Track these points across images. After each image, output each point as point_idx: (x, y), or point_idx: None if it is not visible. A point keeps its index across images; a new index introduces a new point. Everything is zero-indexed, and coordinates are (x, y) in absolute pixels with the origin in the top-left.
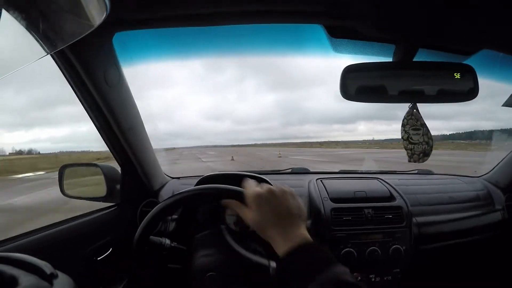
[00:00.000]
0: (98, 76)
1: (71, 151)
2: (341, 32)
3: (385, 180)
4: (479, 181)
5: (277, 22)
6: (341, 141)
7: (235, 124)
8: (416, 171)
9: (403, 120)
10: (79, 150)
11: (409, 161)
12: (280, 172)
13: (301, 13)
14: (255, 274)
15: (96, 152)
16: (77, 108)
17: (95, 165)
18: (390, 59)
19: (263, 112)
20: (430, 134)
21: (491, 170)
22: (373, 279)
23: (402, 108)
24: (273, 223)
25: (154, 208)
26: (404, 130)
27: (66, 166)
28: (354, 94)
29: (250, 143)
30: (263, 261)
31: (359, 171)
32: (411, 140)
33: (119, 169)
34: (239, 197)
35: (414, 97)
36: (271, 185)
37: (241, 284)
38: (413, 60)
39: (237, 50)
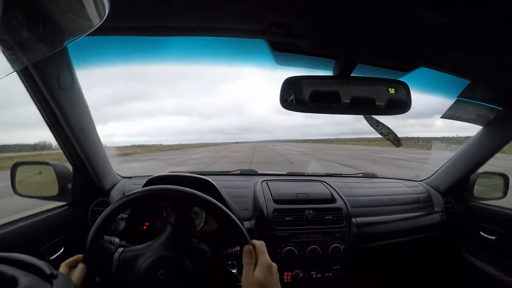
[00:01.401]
0: (51, 79)
1: (141, 145)
2: (283, 47)
3: (329, 183)
4: (421, 185)
5: (223, 36)
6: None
7: (306, 118)
8: (361, 174)
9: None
10: (151, 143)
11: (397, 146)
12: (229, 173)
13: (245, 30)
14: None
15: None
16: (147, 104)
17: (47, 163)
18: (330, 73)
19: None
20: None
21: (432, 175)
22: (314, 276)
23: None
24: None
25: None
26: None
27: (18, 164)
28: (294, 104)
29: (322, 137)
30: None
31: (306, 174)
32: (384, 135)
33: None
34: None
35: (350, 109)
36: (216, 186)
37: (193, 280)
38: (351, 75)
39: (191, 58)
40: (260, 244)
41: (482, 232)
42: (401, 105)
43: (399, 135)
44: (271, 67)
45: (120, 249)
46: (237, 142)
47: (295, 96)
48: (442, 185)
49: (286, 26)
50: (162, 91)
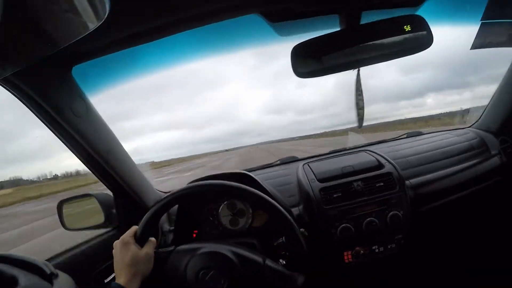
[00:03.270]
0: (65, 111)
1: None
2: (280, 16)
3: (373, 150)
4: (470, 131)
5: (215, 21)
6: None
7: (298, 114)
8: (405, 135)
9: (356, 87)
10: (142, 162)
11: (359, 127)
12: (270, 165)
13: (235, 7)
14: (249, 269)
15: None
16: (135, 122)
17: (89, 195)
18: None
19: (325, 98)
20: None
21: (480, 117)
22: (376, 250)
23: (475, 74)
24: None
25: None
26: (357, 98)
27: (63, 201)
28: (308, 71)
29: (317, 132)
30: (257, 258)
31: (348, 148)
32: (359, 106)
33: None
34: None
35: (368, 60)
36: (254, 177)
37: (235, 279)
38: (360, 23)
39: (193, 55)
40: None
41: None
42: (421, 40)
43: (393, 118)
44: (275, 41)
45: (172, 247)
46: (227, 150)
47: (308, 62)
48: (493, 124)
49: None
50: (149, 108)
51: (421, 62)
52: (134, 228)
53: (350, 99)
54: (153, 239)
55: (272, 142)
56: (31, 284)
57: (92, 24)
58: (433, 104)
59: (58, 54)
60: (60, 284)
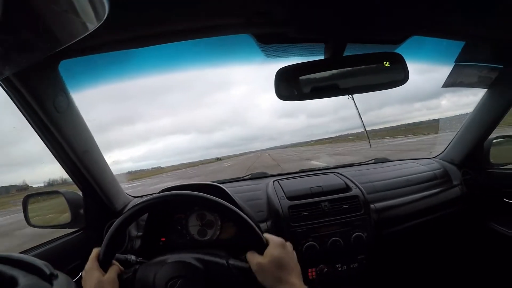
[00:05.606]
0: (47, 104)
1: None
2: (270, 38)
3: (342, 173)
4: (435, 161)
5: (206, 36)
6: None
7: (310, 118)
8: (373, 161)
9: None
10: (151, 167)
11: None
12: (240, 179)
13: (227, 26)
14: (215, 272)
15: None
16: (139, 127)
17: (58, 192)
18: (322, 58)
19: (338, 101)
20: None
21: (445, 149)
22: (339, 269)
23: None
24: (281, 274)
25: (118, 219)
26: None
27: (29, 196)
28: (289, 94)
29: (331, 136)
30: (221, 260)
31: (317, 168)
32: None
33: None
34: (260, 243)
35: (347, 90)
36: (226, 191)
37: (203, 284)
38: (344, 55)
39: (178, 65)
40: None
41: (506, 198)
42: (398, 76)
43: (408, 121)
44: (262, 62)
45: (137, 266)
46: (218, 158)
47: (291, 86)
48: (456, 157)
49: (268, 14)
50: (153, 111)
51: None
52: (96, 251)
53: (362, 102)
54: (116, 263)
55: (286, 146)
56: (31, 285)
57: (92, 25)
58: (448, 106)
59: None
60: (59, 285)
